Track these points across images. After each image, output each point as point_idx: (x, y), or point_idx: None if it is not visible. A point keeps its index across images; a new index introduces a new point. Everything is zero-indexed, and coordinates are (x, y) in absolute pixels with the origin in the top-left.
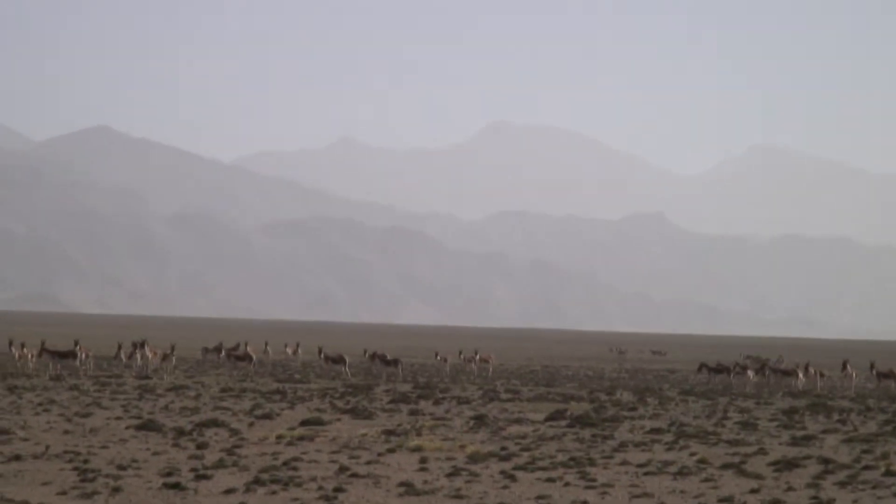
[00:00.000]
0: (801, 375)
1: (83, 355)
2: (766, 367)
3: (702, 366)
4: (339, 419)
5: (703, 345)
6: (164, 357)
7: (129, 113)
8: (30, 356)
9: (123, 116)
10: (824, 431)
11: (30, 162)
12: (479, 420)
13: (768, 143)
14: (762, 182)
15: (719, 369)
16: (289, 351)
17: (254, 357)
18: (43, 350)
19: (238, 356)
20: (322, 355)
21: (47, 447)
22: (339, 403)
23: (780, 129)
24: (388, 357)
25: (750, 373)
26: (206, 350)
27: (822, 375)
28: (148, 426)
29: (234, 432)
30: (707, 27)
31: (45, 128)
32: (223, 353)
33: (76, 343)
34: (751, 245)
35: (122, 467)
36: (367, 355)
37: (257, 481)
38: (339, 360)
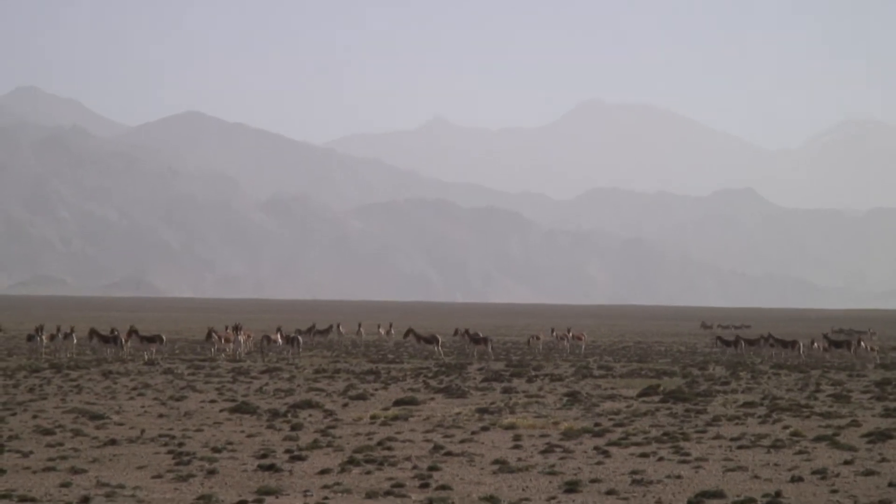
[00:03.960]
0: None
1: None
2: (771, 338)
3: (717, 339)
4: (432, 398)
5: (796, 319)
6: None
7: (218, 98)
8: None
9: (213, 101)
10: None
11: (123, 149)
12: (573, 397)
13: (862, 116)
14: (856, 155)
15: (730, 342)
16: (382, 331)
17: (277, 339)
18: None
19: (227, 337)
20: (412, 336)
21: (142, 431)
22: (433, 383)
23: (874, 101)
24: (480, 335)
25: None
26: (298, 332)
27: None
28: (242, 409)
29: (329, 413)
30: (799, 2)
31: (137, 114)
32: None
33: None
34: (845, 219)
35: (216, 450)
36: (456, 334)
37: (352, 461)
38: (431, 339)
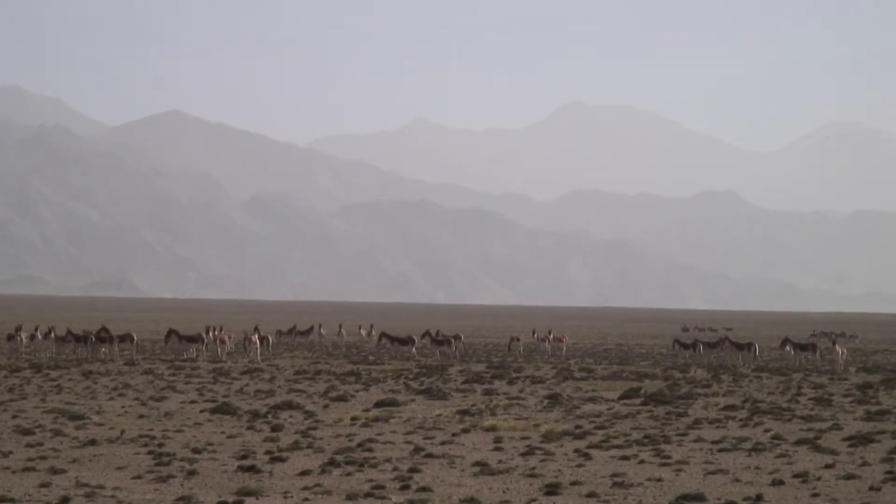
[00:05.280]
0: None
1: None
2: (727, 341)
3: (675, 342)
4: (413, 400)
5: (777, 322)
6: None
7: (201, 98)
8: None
9: (195, 101)
10: None
11: (105, 148)
12: (554, 399)
13: (845, 118)
14: (838, 158)
15: (687, 345)
16: (363, 333)
17: (205, 339)
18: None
19: (190, 337)
20: (385, 338)
21: (122, 431)
22: (414, 384)
23: (855, 104)
24: (456, 336)
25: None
26: (280, 332)
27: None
28: (223, 409)
29: (309, 414)
30: (781, 2)
31: (119, 114)
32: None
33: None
34: (827, 221)
35: (197, 451)
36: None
37: (332, 463)
38: (406, 341)
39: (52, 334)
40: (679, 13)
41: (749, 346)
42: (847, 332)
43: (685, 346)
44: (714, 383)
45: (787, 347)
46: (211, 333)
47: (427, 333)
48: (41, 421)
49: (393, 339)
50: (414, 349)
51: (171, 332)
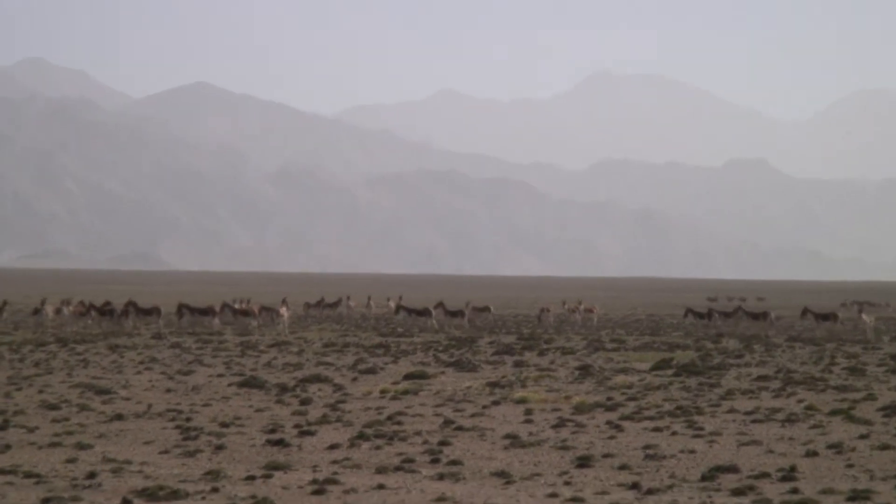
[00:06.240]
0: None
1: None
2: (740, 310)
3: (687, 311)
4: (443, 372)
5: (808, 291)
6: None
7: (226, 69)
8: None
9: (220, 72)
10: None
11: (130, 121)
12: (585, 370)
13: (875, 86)
14: (868, 126)
15: (703, 315)
16: (391, 305)
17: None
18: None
19: (202, 310)
20: (402, 311)
21: (149, 406)
22: (443, 356)
23: (885, 72)
24: (473, 307)
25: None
26: (308, 305)
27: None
28: (250, 383)
29: (338, 387)
30: None
31: (144, 86)
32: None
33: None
34: (857, 189)
35: (224, 425)
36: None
37: (361, 436)
38: (423, 312)
39: (70, 308)
40: None
41: (764, 315)
42: (874, 301)
43: (700, 316)
44: (746, 354)
45: (808, 317)
46: (230, 308)
47: (440, 304)
48: (67, 396)
49: (410, 311)
50: (434, 321)
51: (181, 307)
